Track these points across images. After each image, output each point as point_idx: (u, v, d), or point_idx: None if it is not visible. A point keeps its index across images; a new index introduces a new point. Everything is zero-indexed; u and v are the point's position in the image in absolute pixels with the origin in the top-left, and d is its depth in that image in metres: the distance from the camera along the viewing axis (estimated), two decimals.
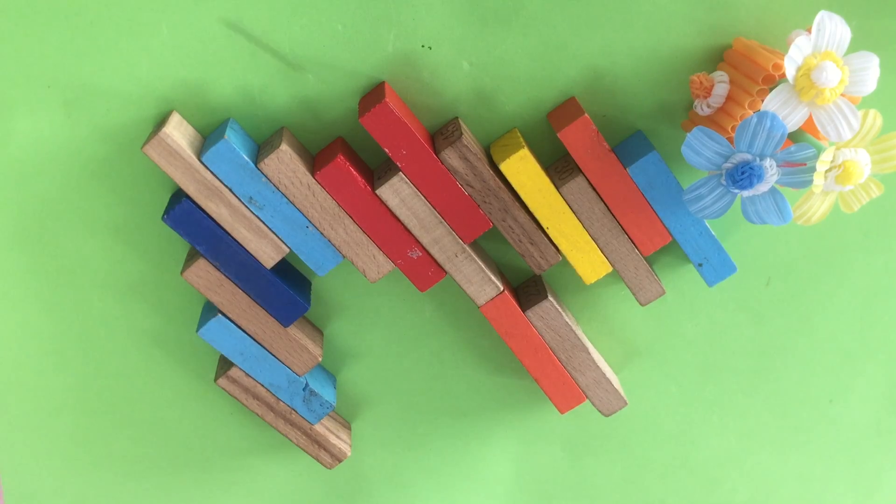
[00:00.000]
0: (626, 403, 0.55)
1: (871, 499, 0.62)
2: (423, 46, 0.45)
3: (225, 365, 0.51)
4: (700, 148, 0.41)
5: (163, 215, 0.45)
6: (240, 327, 0.49)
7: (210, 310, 0.49)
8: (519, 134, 0.47)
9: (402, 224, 0.47)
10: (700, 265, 0.50)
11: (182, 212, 0.45)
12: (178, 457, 0.56)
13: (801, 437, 0.59)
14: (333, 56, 0.44)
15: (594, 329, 0.54)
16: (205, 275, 0.47)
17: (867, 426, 0.59)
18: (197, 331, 0.49)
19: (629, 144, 0.47)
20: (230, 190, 0.45)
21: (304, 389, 0.52)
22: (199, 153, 0.44)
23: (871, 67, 0.40)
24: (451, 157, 0.45)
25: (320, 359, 0.51)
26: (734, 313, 0.54)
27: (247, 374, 0.51)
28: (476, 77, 0.45)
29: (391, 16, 0.44)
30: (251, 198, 0.45)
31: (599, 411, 0.55)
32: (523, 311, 0.50)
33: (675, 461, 0.60)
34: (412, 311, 0.53)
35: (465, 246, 0.48)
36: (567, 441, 0.58)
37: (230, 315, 0.49)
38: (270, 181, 0.45)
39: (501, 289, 0.49)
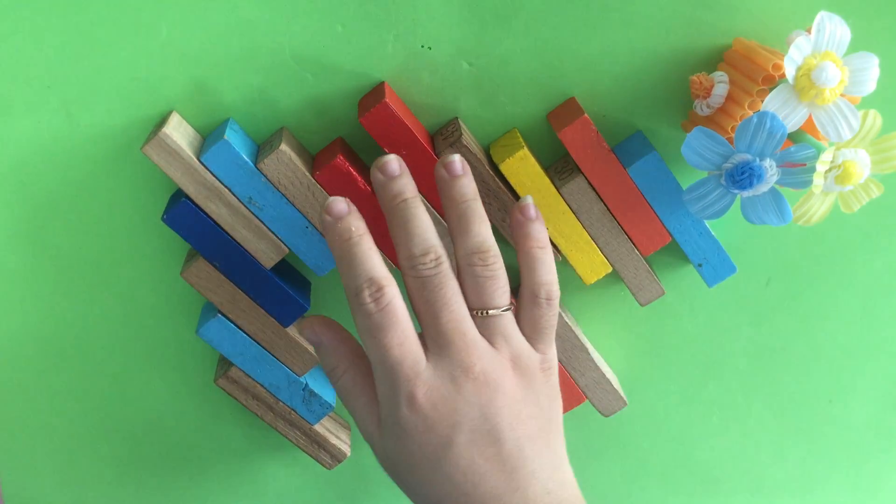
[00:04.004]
0: (625, 404, 0.55)
1: (872, 499, 0.62)
2: (423, 46, 0.45)
3: (225, 365, 0.51)
4: (700, 148, 0.41)
5: (162, 215, 0.45)
6: (240, 327, 0.49)
7: (210, 310, 0.49)
8: (519, 134, 0.47)
9: None
10: (700, 265, 0.50)
11: (181, 212, 0.45)
12: (178, 457, 0.56)
13: (801, 437, 0.59)
14: (333, 56, 0.44)
15: (594, 329, 0.54)
16: (205, 275, 0.47)
17: (867, 426, 0.59)
18: (197, 331, 0.49)
19: (629, 144, 0.47)
20: (230, 190, 0.45)
21: (303, 390, 0.52)
22: (199, 153, 0.44)
23: (871, 67, 0.40)
24: None
25: None
26: (734, 313, 0.54)
27: (247, 374, 0.51)
28: (476, 77, 0.45)
29: (391, 16, 0.44)
30: (251, 198, 0.45)
31: (599, 412, 0.55)
32: None
33: (675, 461, 0.60)
34: (411, 311, 0.53)
35: None
36: (567, 441, 0.58)
37: (230, 315, 0.49)
38: (270, 181, 0.45)
39: None
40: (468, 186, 0.42)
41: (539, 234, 0.43)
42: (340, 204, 0.41)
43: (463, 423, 0.40)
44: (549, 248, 0.43)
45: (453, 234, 0.42)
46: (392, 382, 0.40)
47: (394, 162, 0.41)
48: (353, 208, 0.41)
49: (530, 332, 0.42)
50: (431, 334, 0.41)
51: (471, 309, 0.41)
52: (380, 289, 0.40)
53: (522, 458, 0.41)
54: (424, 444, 0.40)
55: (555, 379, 0.43)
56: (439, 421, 0.40)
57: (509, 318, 0.42)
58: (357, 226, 0.40)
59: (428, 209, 0.46)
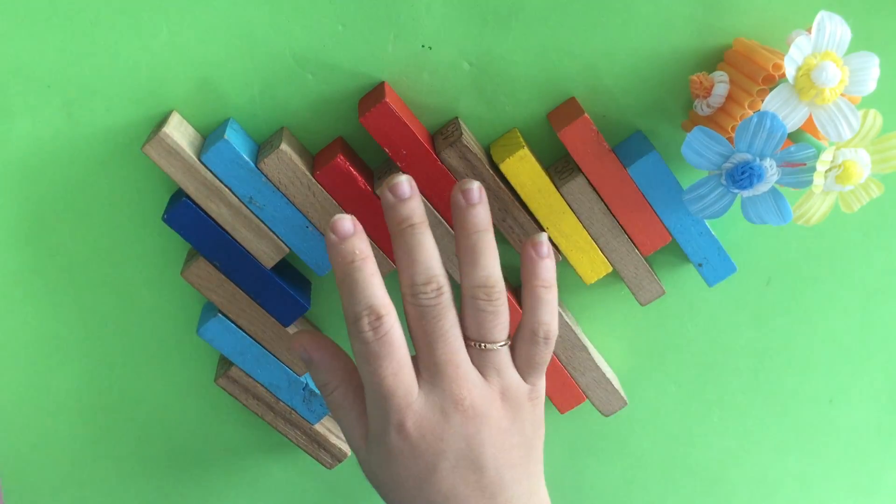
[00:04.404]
0: (626, 403, 0.55)
1: (872, 499, 0.62)
2: (423, 46, 0.45)
3: (225, 365, 0.51)
4: (700, 148, 0.41)
5: (163, 215, 0.45)
6: (240, 327, 0.49)
7: (210, 309, 0.49)
8: (519, 134, 0.47)
9: None
10: (700, 265, 0.50)
11: (182, 212, 0.45)
12: (178, 457, 0.56)
13: (801, 437, 0.59)
14: (334, 56, 0.44)
15: (594, 329, 0.54)
16: (205, 275, 0.47)
17: (867, 426, 0.59)
18: (197, 331, 0.49)
19: (629, 144, 0.47)
20: (230, 190, 0.45)
21: (303, 389, 0.52)
22: (200, 153, 0.44)
23: (871, 67, 0.40)
24: (451, 157, 0.45)
25: None
26: (734, 313, 0.54)
27: (247, 374, 0.51)
28: (476, 77, 0.45)
29: (391, 16, 0.44)
30: (251, 198, 0.45)
31: (599, 411, 0.55)
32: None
33: (675, 461, 0.60)
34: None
35: None
36: (567, 441, 0.58)
37: (230, 315, 0.49)
38: (270, 181, 0.45)
39: None
40: (482, 216, 0.42)
41: (546, 274, 0.43)
42: (346, 223, 0.40)
43: (448, 452, 0.41)
44: (554, 288, 0.43)
45: (462, 261, 0.42)
46: (383, 409, 0.41)
47: (405, 184, 0.41)
48: (359, 228, 0.41)
49: (524, 366, 0.43)
50: (425, 363, 0.41)
51: (469, 339, 0.42)
52: (379, 318, 0.40)
53: (502, 485, 0.42)
54: (409, 468, 0.41)
55: (541, 408, 0.44)
56: (426, 448, 0.41)
57: (505, 352, 0.42)
58: (361, 248, 0.40)
59: (427, 208, 0.46)
